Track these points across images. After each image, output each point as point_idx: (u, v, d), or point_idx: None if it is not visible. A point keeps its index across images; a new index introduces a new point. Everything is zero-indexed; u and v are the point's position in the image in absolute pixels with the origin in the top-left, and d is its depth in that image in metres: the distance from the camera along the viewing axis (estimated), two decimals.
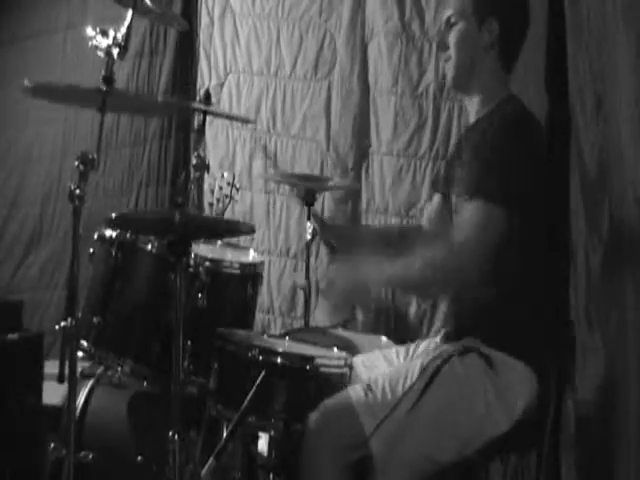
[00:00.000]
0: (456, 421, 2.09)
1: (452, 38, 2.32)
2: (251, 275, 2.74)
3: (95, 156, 2.27)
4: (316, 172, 3.96)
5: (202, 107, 3.28)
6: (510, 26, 2.29)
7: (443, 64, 2.43)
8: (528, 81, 2.86)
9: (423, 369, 2.12)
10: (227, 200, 3.25)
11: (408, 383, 2.10)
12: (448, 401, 2.09)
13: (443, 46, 2.35)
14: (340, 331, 3.06)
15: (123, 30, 2.31)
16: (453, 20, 2.32)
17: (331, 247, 2.48)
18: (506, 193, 2.10)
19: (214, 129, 4.23)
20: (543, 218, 2.25)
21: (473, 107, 2.36)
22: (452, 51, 2.32)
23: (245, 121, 4.12)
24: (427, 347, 2.37)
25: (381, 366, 2.36)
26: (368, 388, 2.11)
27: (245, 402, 2.14)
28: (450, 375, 2.11)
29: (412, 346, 2.43)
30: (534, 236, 2.22)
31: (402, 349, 2.43)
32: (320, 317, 3.85)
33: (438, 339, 2.37)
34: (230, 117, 4.01)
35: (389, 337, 2.97)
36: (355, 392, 2.11)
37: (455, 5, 2.32)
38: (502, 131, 2.20)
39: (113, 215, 2.13)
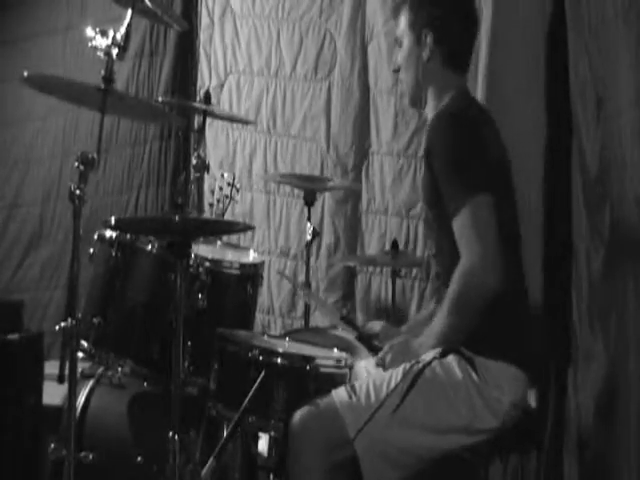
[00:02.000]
0: (439, 421, 2.12)
1: (400, 59, 2.37)
2: (251, 275, 2.74)
3: (95, 156, 2.27)
4: (316, 172, 3.96)
5: (202, 107, 3.28)
6: (444, 30, 2.30)
7: None
8: (531, 89, 2.87)
9: (406, 372, 2.14)
10: (227, 201, 3.25)
11: (392, 385, 2.13)
12: (430, 402, 2.12)
13: (397, 68, 2.39)
14: (340, 331, 3.05)
15: (122, 30, 2.31)
16: (399, 41, 2.37)
17: (369, 346, 2.45)
18: (477, 182, 2.12)
19: (214, 129, 4.23)
20: (513, 204, 2.26)
21: (430, 113, 2.37)
22: (402, 72, 2.37)
23: (245, 122, 4.12)
24: None
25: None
26: (352, 390, 2.13)
27: (245, 402, 2.14)
28: (432, 377, 2.13)
29: None
30: (506, 214, 2.20)
31: None
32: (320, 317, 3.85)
33: None
34: (230, 118, 4.01)
35: None
36: (338, 394, 2.13)
37: (399, 26, 2.37)
38: (440, 136, 2.21)
39: (112, 219, 2.12)
